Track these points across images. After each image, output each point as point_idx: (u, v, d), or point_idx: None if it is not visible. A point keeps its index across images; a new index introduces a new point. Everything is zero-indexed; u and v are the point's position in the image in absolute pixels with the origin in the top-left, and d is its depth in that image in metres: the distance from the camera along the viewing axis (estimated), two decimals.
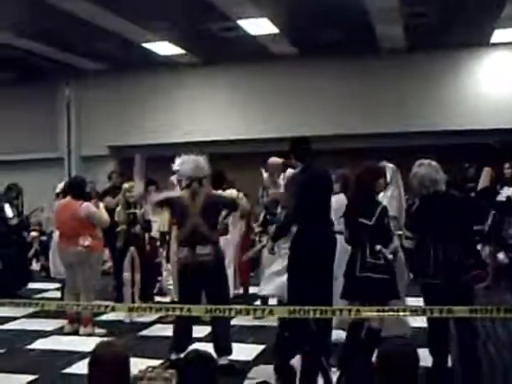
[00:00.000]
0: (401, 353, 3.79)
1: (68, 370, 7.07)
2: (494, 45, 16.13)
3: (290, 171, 8.08)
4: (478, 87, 16.36)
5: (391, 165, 7.01)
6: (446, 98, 16.32)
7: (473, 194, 11.20)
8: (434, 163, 6.33)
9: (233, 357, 7.09)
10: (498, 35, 15.42)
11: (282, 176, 8.75)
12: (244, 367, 7.01)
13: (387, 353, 3.87)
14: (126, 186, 9.58)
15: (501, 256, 11.12)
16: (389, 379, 3.75)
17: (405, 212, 6.82)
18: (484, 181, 5.97)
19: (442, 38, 15.45)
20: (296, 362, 3.97)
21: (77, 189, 8.97)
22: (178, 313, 5.47)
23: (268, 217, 8.98)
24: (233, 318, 7.59)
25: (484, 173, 6.02)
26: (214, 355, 6.66)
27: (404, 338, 6.15)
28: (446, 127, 16.11)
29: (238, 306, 5.33)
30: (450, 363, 6.41)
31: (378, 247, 6.33)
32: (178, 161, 7.25)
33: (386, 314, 5.23)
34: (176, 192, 7.28)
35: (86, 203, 8.80)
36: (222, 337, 7.02)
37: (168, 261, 9.57)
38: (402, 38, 15.40)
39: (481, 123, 15.74)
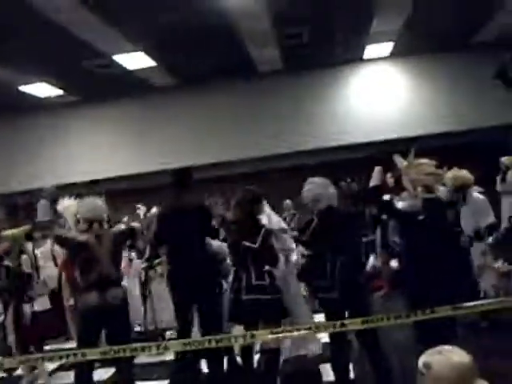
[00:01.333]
0: (303, 372, 3.83)
1: None
2: (368, 60, 16.68)
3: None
4: (355, 102, 16.81)
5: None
6: (326, 115, 16.68)
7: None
8: (324, 180, 6.46)
9: None
10: (370, 50, 15.96)
11: None
12: None
13: (290, 374, 3.91)
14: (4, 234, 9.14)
15: (394, 264, 11.43)
16: None
17: (299, 230, 6.84)
18: (375, 178, 6.05)
19: (318, 57, 15.83)
20: None
21: None
22: (72, 359, 5.33)
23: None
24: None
25: (375, 171, 6.09)
26: None
27: (307, 357, 6.21)
28: (330, 143, 16.45)
29: (134, 345, 5.26)
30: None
31: (267, 267, 6.39)
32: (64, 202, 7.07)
33: (280, 335, 5.26)
34: (77, 234, 7.01)
35: None
36: (125, 376, 6.89)
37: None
38: (279, 59, 15.64)
39: (363, 137, 16.17)
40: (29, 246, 9.02)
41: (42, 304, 8.62)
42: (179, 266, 6.93)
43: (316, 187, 6.36)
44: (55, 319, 8.72)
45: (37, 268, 8.89)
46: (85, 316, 6.73)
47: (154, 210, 7.80)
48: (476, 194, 8.35)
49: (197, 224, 6.85)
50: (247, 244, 6.39)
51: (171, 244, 7.04)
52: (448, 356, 3.25)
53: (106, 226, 6.95)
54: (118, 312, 6.61)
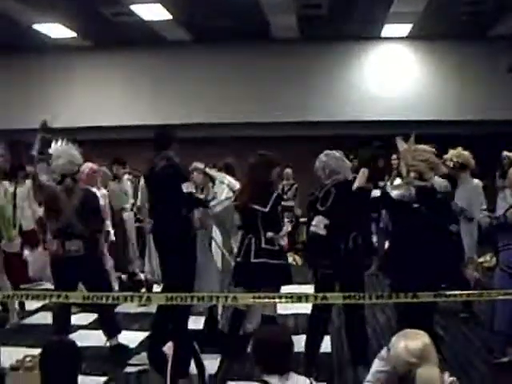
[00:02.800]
0: (275, 339, 3.88)
1: None
2: (385, 39, 16.59)
3: None
4: (367, 79, 16.79)
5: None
6: (335, 89, 16.66)
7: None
8: (340, 152, 6.48)
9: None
10: (388, 30, 15.88)
11: None
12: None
13: (262, 338, 3.96)
14: None
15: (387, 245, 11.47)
16: (265, 363, 3.83)
17: (313, 201, 6.79)
18: (360, 181, 6.10)
19: (335, 30, 15.76)
20: (168, 348, 3.98)
21: None
22: (54, 299, 5.40)
23: None
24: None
25: (360, 173, 6.14)
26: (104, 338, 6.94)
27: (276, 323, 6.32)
28: (337, 118, 16.41)
29: (116, 294, 5.32)
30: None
31: (270, 234, 6.44)
32: (51, 150, 7.04)
33: (262, 300, 5.32)
34: (52, 183, 7.13)
35: None
36: (108, 320, 7.10)
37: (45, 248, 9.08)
38: (296, 28, 15.55)
39: (371, 114, 16.15)
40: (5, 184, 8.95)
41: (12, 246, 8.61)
42: (154, 228, 7.05)
43: (334, 159, 6.40)
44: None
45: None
46: (52, 264, 6.98)
47: None
48: (473, 179, 8.36)
49: (166, 188, 6.84)
50: (257, 208, 6.45)
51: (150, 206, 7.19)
52: (407, 340, 3.38)
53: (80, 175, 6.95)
54: (83, 265, 6.74)
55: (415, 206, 5.65)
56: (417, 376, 3.25)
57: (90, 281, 6.84)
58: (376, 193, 5.95)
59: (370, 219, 8.42)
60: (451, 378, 3.41)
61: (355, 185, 6.06)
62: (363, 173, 6.08)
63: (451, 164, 7.95)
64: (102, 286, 6.71)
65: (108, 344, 7.05)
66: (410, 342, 3.37)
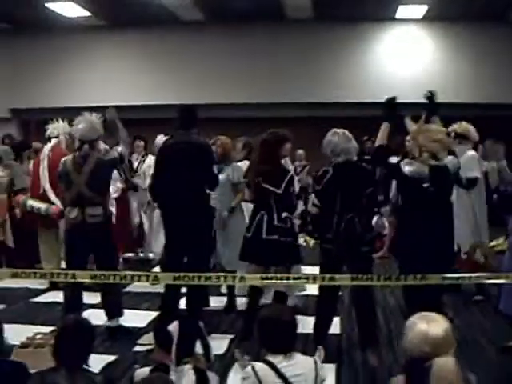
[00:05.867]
0: (279, 318, 3.88)
1: None
2: (399, 20, 16.45)
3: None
4: (381, 61, 16.68)
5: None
6: (349, 70, 16.57)
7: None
8: (347, 133, 6.39)
9: (126, 323, 7.13)
10: (403, 11, 15.75)
11: None
12: (136, 332, 7.05)
13: (266, 318, 3.96)
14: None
15: None
16: (268, 343, 3.84)
17: (314, 179, 6.82)
18: (381, 137, 6.01)
19: (349, 12, 15.62)
20: (173, 327, 3.98)
21: None
22: (62, 279, 5.40)
23: None
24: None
25: (382, 128, 6.04)
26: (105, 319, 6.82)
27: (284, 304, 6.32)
28: (351, 99, 16.32)
29: (123, 273, 5.32)
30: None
31: (285, 214, 6.44)
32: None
33: (270, 281, 5.31)
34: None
35: None
36: (111, 299, 6.98)
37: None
38: (310, 8, 15.43)
39: (382, 96, 15.98)
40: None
41: None
42: (171, 211, 7.01)
43: (338, 139, 6.31)
44: None
45: None
46: (68, 233, 6.92)
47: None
48: (469, 151, 8.17)
49: (193, 166, 6.83)
50: (271, 188, 6.46)
51: (166, 185, 7.03)
52: (429, 326, 3.26)
53: (100, 146, 6.94)
54: (100, 233, 6.73)
55: (425, 185, 5.59)
56: (434, 368, 3.07)
57: (103, 253, 6.83)
58: (393, 159, 5.85)
59: (376, 201, 8.30)
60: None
61: (376, 143, 6.02)
62: (385, 128, 6.02)
63: (452, 136, 7.80)
64: (113, 260, 6.75)
65: (108, 324, 6.96)
66: (432, 328, 3.23)
